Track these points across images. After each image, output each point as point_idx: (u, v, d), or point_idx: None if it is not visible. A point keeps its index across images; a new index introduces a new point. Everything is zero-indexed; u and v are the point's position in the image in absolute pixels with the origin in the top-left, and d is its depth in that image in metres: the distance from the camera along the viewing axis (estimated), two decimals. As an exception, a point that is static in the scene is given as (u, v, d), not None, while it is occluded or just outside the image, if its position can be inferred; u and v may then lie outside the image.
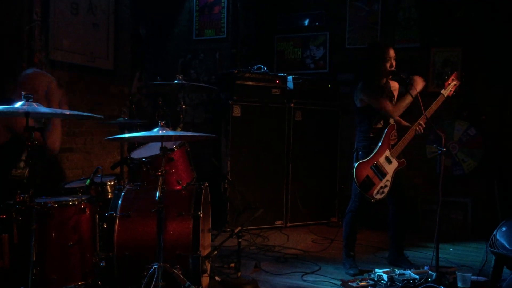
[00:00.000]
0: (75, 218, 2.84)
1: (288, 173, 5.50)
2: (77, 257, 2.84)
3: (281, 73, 5.69)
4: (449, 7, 5.61)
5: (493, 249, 3.31)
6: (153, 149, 3.55)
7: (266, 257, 4.24)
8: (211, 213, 3.58)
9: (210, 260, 3.31)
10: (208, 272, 3.24)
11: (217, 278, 3.39)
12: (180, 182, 3.44)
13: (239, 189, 4.81)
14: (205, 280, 3.18)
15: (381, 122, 3.83)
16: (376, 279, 3.48)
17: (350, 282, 3.45)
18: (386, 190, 3.74)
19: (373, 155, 3.73)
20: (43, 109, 2.45)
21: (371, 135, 3.81)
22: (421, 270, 3.53)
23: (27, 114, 2.40)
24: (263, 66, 5.54)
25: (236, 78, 5.24)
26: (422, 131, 3.76)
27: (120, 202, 3.09)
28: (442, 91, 3.84)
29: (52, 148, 3.21)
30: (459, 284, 3.25)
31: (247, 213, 4.46)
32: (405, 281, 3.35)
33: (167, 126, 2.86)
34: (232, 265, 3.56)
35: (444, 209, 5.21)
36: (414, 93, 3.70)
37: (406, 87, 3.81)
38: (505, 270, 3.39)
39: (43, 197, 2.91)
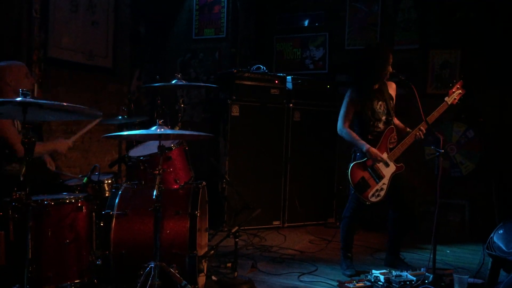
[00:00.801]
0: (72, 216, 2.84)
1: (286, 174, 5.49)
2: (73, 255, 2.84)
3: (280, 73, 5.67)
4: (448, 9, 5.61)
5: (490, 252, 3.31)
6: (151, 147, 3.53)
7: (263, 257, 4.23)
8: (208, 212, 3.57)
9: (207, 260, 3.31)
10: (205, 271, 3.23)
11: (213, 277, 3.38)
12: (178, 181, 3.42)
13: (237, 189, 4.80)
14: (201, 279, 3.17)
15: (380, 125, 3.81)
16: (373, 280, 3.49)
17: (347, 283, 3.45)
18: (382, 193, 3.71)
19: (371, 157, 3.71)
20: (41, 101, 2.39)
21: (370, 138, 3.78)
22: (418, 271, 3.53)
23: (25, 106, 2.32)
24: (263, 66, 5.52)
25: (235, 77, 5.23)
26: (422, 136, 3.73)
27: (117, 200, 3.09)
28: (446, 99, 3.79)
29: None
30: (456, 286, 3.24)
31: (244, 213, 4.45)
32: (402, 283, 3.36)
33: (165, 124, 2.85)
34: (229, 265, 3.56)
35: (442, 211, 5.18)
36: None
37: (405, 89, 3.81)
38: (502, 272, 3.38)
39: (40, 194, 2.91)
